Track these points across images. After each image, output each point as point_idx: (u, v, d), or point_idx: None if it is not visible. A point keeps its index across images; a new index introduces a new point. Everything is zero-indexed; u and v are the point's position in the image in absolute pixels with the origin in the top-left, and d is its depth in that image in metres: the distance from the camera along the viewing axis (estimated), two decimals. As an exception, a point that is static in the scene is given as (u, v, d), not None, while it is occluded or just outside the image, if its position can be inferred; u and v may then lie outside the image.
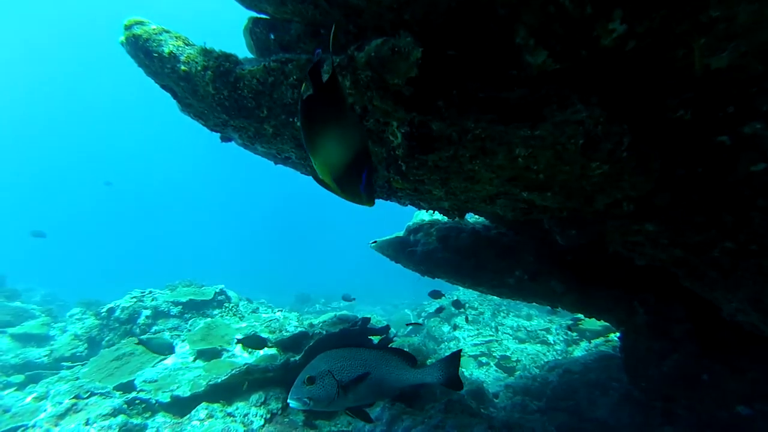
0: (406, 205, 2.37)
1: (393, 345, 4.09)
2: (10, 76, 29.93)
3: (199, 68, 1.58)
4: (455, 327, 6.40)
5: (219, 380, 3.24)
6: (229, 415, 3.10)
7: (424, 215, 3.46)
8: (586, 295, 2.85)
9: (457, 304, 5.66)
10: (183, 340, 4.18)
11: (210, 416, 3.08)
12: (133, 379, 3.49)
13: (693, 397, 2.45)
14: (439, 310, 6.27)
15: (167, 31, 1.65)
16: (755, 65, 1.17)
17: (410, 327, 6.20)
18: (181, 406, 3.22)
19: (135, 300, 5.03)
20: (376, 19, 1.38)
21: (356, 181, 1.03)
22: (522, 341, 6.00)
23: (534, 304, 3.52)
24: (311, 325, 3.78)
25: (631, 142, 1.35)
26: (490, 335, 6.12)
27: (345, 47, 1.35)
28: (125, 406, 3.18)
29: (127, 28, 1.62)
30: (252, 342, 3.45)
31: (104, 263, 28.65)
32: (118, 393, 3.35)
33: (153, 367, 3.68)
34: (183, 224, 39.71)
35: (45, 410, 3.12)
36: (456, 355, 2.02)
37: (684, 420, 2.63)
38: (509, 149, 1.36)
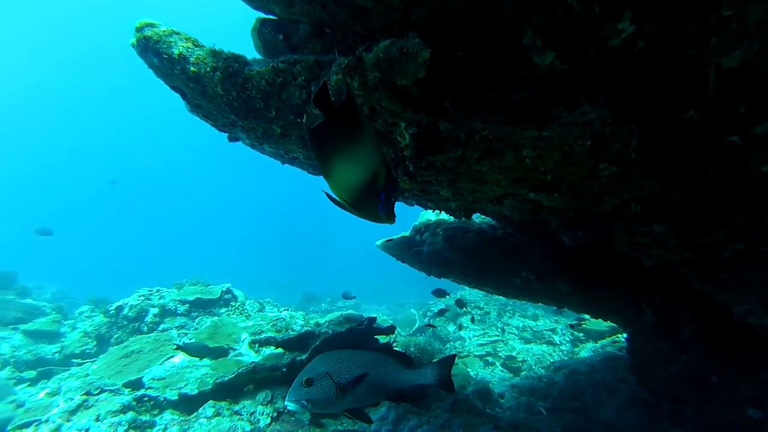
0: (413, 205, 2.38)
1: (398, 344, 4.10)
2: (16, 76, 30.33)
3: (208, 69, 1.60)
4: (461, 327, 6.40)
5: (226, 379, 3.27)
6: (236, 413, 3.13)
7: (430, 215, 3.46)
8: (592, 296, 2.83)
9: (460, 302, 5.66)
10: (190, 339, 4.22)
11: (217, 414, 3.11)
12: (142, 377, 3.53)
13: (702, 399, 2.42)
14: (441, 312, 6.26)
15: (177, 33, 1.66)
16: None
17: (416, 327, 6.20)
18: (188, 404, 3.26)
19: (143, 298, 5.09)
20: (383, 20, 1.38)
21: (374, 201, 0.99)
22: (528, 341, 5.98)
23: (540, 304, 3.51)
24: (317, 324, 3.80)
25: (640, 142, 1.34)
26: (496, 335, 6.10)
27: (353, 48, 1.36)
28: (134, 402, 3.22)
29: (138, 30, 1.64)
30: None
31: (112, 261, 29.03)
32: (127, 390, 3.39)
33: (161, 365, 3.72)
34: (189, 223, 40.05)
35: (57, 405, 3.18)
36: (449, 358, 2.06)
37: (692, 422, 2.61)
38: (517, 150, 1.36)
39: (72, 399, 3.20)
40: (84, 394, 3.24)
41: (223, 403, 3.18)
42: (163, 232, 37.67)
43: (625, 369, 3.24)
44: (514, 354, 5.49)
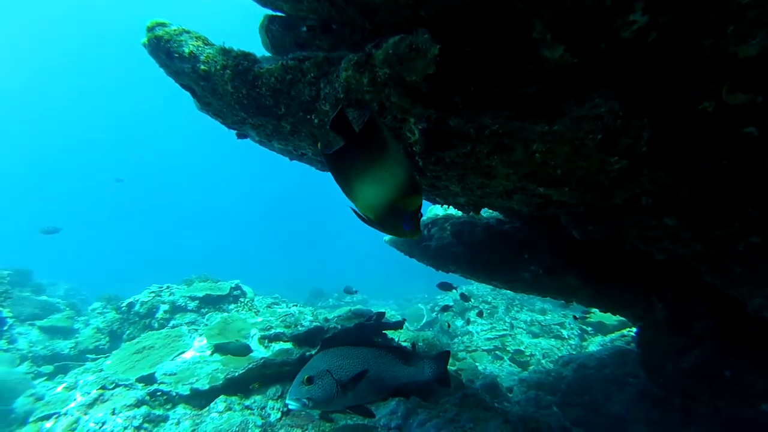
0: (421, 201, 2.37)
1: (406, 339, 4.12)
2: (23, 74, 30.68)
3: (218, 67, 1.61)
4: (468, 321, 6.41)
5: (236, 374, 3.31)
6: (247, 407, 3.17)
7: (438, 210, 3.46)
8: (602, 290, 2.82)
9: (464, 297, 5.67)
10: (201, 335, 4.28)
11: (228, 408, 3.16)
12: (154, 372, 3.59)
13: (714, 394, 2.41)
14: (445, 308, 6.28)
15: (187, 32, 1.68)
16: (786, 54, 1.13)
17: (424, 321, 6.22)
18: (200, 399, 3.31)
19: (153, 295, 5.16)
20: (392, 16, 1.38)
21: (399, 218, 0.98)
22: (536, 336, 5.97)
23: (548, 298, 3.51)
24: (326, 320, 3.82)
25: (651, 136, 1.33)
26: (504, 330, 6.10)
27: (361, 45, 1.36)
28: (147, 397, 3.28)
29: (150, 29, 1.66)
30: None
31: (121, 258, 29.41)
32: (141, 385, 3.46)
33: (172, 360, 3.78)
34: (196, 220, 40.43)
35: (75, 399, 3.25)
36: (444, 354, 2.13)
37: (703, 417, 2.59)
38: (526, 145, 1.35)
39: (88, 393, 3.27)
40: (100, 389, 3.31)
41: (234, 398, 3.23)
42: (170, 229, 38.10)
43: (634, 363, 3.23)
44: (522, 348, 5.49)
